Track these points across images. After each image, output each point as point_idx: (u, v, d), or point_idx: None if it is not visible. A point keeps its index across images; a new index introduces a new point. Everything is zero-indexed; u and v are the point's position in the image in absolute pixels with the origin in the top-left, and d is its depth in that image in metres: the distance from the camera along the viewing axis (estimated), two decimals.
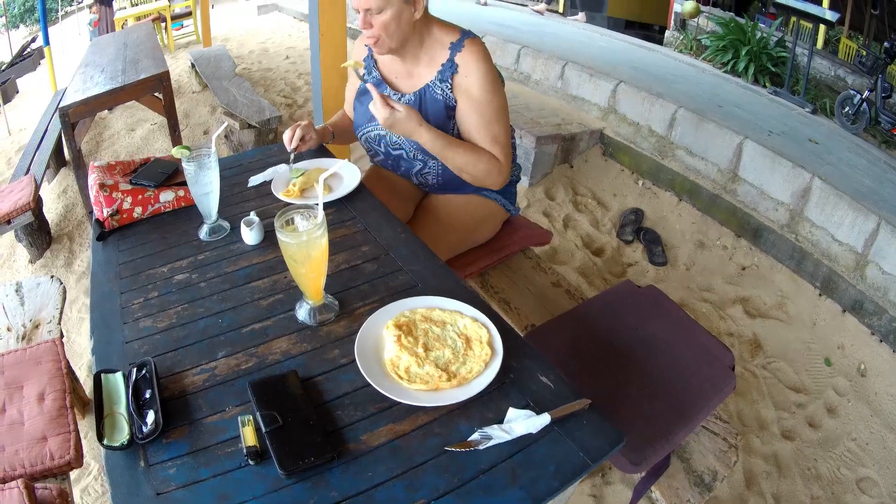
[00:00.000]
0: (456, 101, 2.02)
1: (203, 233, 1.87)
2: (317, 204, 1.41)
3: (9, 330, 2.41)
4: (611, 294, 2.17)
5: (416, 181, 2.26)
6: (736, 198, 3.87)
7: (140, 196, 1.97)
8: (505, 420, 1.18)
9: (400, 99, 2.09)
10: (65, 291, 2.56)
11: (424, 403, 1.21)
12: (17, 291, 2.55)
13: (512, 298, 2.30)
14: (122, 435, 1.19)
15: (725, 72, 6.37)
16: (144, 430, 1.18)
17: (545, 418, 1.16)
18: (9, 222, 3.62)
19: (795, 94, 5.74)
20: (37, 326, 2.40)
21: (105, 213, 1.94)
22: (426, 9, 1.99)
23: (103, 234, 1.94)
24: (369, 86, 1.91)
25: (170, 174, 2.05)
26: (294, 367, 1.32)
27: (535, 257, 2.53)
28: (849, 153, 4.36)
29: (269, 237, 1.79)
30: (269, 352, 1.38)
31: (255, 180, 2.15)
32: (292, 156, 2.19)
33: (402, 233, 1.81)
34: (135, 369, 1.30)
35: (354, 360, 1.29)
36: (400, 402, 1.21)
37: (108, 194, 1.93)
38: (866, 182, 3.77)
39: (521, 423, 1.16)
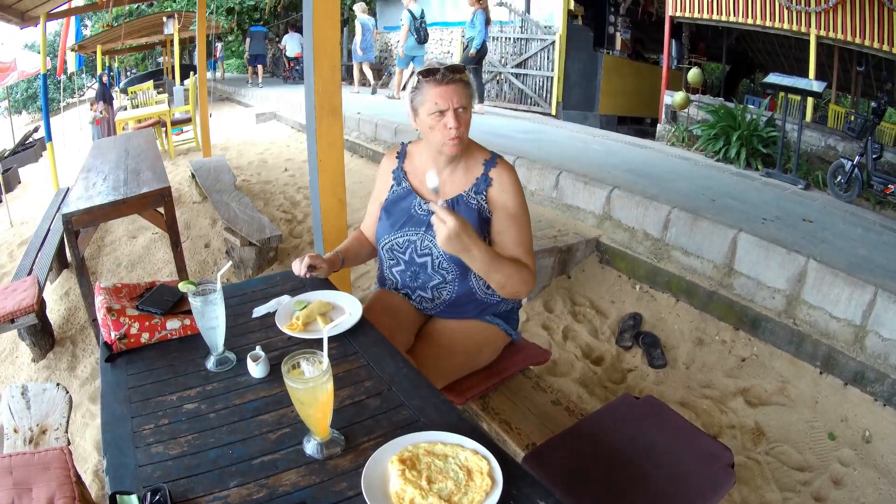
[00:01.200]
0: (491, 213, 2.18)
1: (210, 364, 1.92)
2: (321, 343, 1.51)
3: (16, 431, 2.45)
4: (610, 408, 2.23)
5: (429, 295, 2.33)
6: (732, 292, 3.94)
7: (147, 322, 2.03)
8: None
9: (427, 206, 2.22)
10: (71, 401, 2.62)
11: None
12: (23, 395, 2.61)
13: (513, 419, 2.35)
14: None
15: (717, 160, 6.47)
16: None
17: None
18: (12, 321, 3.69)
19: (787, 171, 5.83)
20: (44, 432, 2.45)
21: (113, 337, 1.99)
22: None
23: (112, 356, 1.99)
24: (435, 206, 1.93)
25: (176, 302, 2.11)
26: (304, 499, 1.36)
27: (534, 377, 2.60)
28: (843, 225, 4.49)
29: (274, 370, 1.84)
30: (279, 483, 1.42)
31: (258, 311, 2.21)
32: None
33: (404, 367, 1.87)
34: (149, 493, 1.35)
35: (361, 492, 1.34)
36: None
37: (115, 318, 1.98)
38: (861, 252, 3.91)
39: None
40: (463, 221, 1.92)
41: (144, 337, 2.03)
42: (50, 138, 8.16)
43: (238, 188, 6.42)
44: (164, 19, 14.70)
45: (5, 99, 15.95)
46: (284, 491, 1.40)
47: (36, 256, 4.79)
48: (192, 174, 7.19)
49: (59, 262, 5.36)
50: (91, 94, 19.40)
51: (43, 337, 4.15)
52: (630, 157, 6.29)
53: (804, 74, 6.96)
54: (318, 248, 3.25)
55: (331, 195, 3.22)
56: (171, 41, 15.54)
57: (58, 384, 2.69)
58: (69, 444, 2.40)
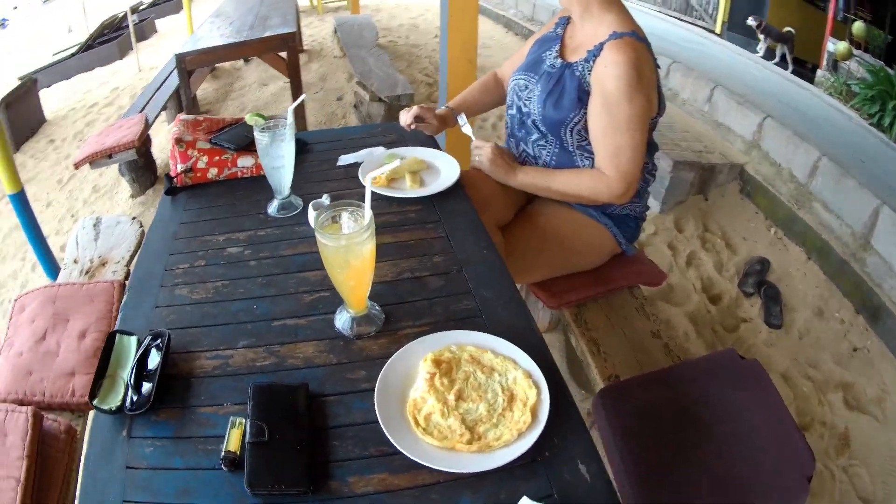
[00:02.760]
0: (590, 88, 1.86)
1: (272, 208, 1.76)
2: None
3: (75, 262, 2.41)
4: (709, 361, 1.90)
5: (531, 151, 2.07)
6: (863, 268, 3.43)
7: (217, 157, 1.90)
8: None
9: (555, 59, 1.99)
10: (143, 235, 2.54)
11: (429, 463, 1.00)
12: (94, 226, 2.56)
13: (603, 341, 2.06)
14: (116, 399, 1.15)
15: (871, 124, 5.86)
16: (135, 400, 1.13)
17: None
18: (110, 156, 3.68)
19: None
20: (104, 264, 2.40)
21: (178, 169, 1.87)
22: None
23: (172, 189, 1.89)
24: (467, 128, 2.15)
25: (254, 139, 1.95)
26: (311, 379, 1.16)
27: (641, 297, 2.26)
28: None
29: None
30: (291, 354, 1.23)
31: (345, 160, 2.02)
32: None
33: (486, 248, 1.57)
34: (149, 337, 1.23)
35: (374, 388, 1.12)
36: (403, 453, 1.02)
37: (182, 150, 1.86)
38: None
39: None
40: (497, 145, 2.03)
41: (212, 172, 1.91)
42: None
43: (381, 47, 6.19)
44: None
45: None
46: (293, 364, 1.21)
47: (151, 97, 4.81)
48: (335, 29, 7.07)
49: (179, 104, 5.36)
50: None
51: (144, 174, 4.18)
52: (786, 92, 5.70)
53: None
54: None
55: (460, 52, 3.04)
56: None
57: (133, 218, 2.63)
58: (127, 278, 2.31)
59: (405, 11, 9.60)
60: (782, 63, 7.17)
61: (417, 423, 1.06)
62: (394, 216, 1.71)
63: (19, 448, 1.51)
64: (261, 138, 1.62)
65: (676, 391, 1.72)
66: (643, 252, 2.42)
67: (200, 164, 1.88)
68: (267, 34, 4.17)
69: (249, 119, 1.73)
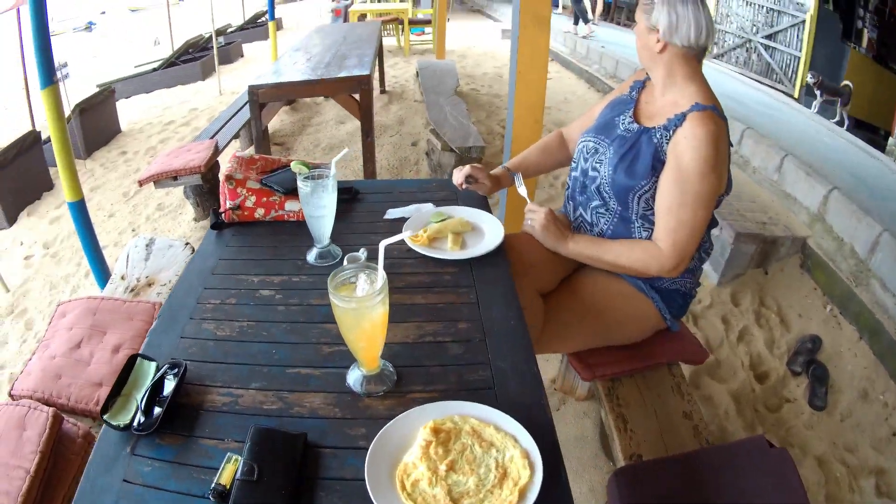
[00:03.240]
0: (665, 157, 1.84)
1: (311, 255, 1.80)
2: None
3: (122, 278, 2.50)
4: (736, 448, 1.84)
5: (588, 218, 2.06)
6: None
7: (265, 198, 1.96)
8: None
9: (630, 124, 1.97)
10: None
11: None
12: (147, 246, 2.64)
13: (632, 417, 2.02)
14: (125, 418, 1.22)
15: None
16: (142, 422, 1.20)
17: None
18: (175, 178, 3.78)
19: None
20: (150, 285, 2.47)
21: (227, 206, 1.94)
22: (684, 57, 1.86)
23: (218, 224, 1.96)
24: (522, 188, 2.16)
25: None
26: (313, 429, 1.19)
27: (679, 375, 2.21)
28: None
29: None
30: (298, 402, 1.27)
31: (392, 213, 2.05)
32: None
33: (513, 319, 1.55)
34: (168, 366, 1.31)
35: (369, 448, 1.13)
36: None
37: (232, 188, 1.93)
38: None
39: None
40: (551, 211, 2.00)
41: (259, 213, 1.97)
42: (273, 17, 8.57)
43: (459, 95, 6.21)
44: None
45: None
46: (298, 413, 1.25)
47: (225, 123, 4.95)
48: (418, 72, 7.17)
49: (251, 133, 5.52)
50: None
51: (208, 199, 4.29)
52: (855, 162, 5.49)
53: None
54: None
55: (527, 112, 3.03)
56: None
57: (186, 243, 2.71)
58: None
59: (491, 60, 9.76)
60: (839, 121, 7.03)
61: (403, 487, 1.06)
62: (427, 276, 1.72)
63: (35, 443, 1.61)
64: (303, 187, 1.66)
65: (695, 477, 1.69)
66: (687, 328, 2.36)
67: (248, 203, 1.94)
68: (342, 74, 4.18)
69: (294, 167, 1.79)
